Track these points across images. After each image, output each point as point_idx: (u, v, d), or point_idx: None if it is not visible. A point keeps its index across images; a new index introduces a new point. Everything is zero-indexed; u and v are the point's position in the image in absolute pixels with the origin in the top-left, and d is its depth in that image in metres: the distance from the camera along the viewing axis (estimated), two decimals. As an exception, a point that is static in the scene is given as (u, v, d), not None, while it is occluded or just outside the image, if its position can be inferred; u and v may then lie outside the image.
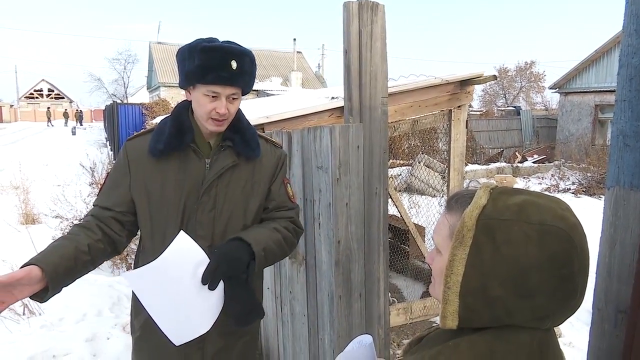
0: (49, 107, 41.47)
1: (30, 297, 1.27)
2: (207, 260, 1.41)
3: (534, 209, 0.76)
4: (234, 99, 1.49)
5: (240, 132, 1.58)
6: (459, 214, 0.83)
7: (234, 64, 1.42)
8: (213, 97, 1.44)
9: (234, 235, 1.50)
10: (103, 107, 37.19)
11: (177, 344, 1.45)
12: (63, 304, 3.85)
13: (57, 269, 1.29)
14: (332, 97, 4.01)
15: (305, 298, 2.42)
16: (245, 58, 1.46)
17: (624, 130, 1.16)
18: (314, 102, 4.05)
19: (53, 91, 54.17)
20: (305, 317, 2.45)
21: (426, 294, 4.57)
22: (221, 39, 1.50)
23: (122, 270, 5.02)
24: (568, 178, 12.58)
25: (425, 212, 5.01)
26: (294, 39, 26.79)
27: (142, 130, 1.60)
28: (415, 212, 5.55)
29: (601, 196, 10.56)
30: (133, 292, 1.66)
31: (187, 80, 1.47)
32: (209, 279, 1.40)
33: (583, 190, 11.06)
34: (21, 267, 1.25)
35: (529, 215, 0.75)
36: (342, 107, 3.60)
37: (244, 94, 1.53)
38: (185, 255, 1.40)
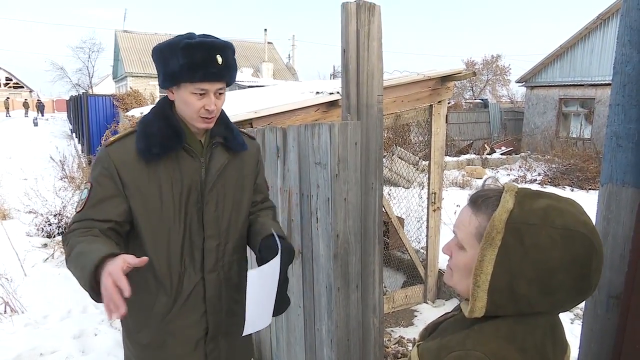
0: (8, 97, 39.59)
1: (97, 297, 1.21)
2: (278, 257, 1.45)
3: (557, 213, 0.83)
4: (220, 94, 1.46)
5: (228, 127, 1.58)
6: (486, 215, 0.90)
7: (219, 59, 1.39)
8: (201, 94, 1.41)
9: (267, 233, 1.55)
10: (66, 97, 35.93)
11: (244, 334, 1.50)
12: (46, 301, 3.79)
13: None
14: (317, 92, 4.05)
15: (301, 290, 2.48)
16: (229, 51, 1.44)
17: (617, 131, 1.26)
18: (298, 96, 4.09)
19: (11, 80, 51.81)
20: (300, 309, 2.52)
21: (407, 284, 4.71)
22: (190, 29, 1.50)
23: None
24: (534, 169, 13.05)
25: (405, 204, 5.14)
26: (265, 30, 26.55)
27: (119, 134, 1.50)
28: (392, 204, 5.69)
29: (565, 187, 11.03)
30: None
31: (172, 80, 1.41)
32: (285, 272, 1.47)
33: (548, 181, 11.51)
34: (106, 256, 1.20)
35: (554, 220, 0.82)
36: (328, 102, 3.69)
37: (227, 86, 1.51)
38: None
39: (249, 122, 3.37)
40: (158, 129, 1.44)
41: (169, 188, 1.45)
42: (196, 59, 1.36)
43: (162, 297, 1.50)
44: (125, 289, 1.13)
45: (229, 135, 1.57)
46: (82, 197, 1.44)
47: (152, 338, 1.52)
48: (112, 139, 1.48)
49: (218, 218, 1.55)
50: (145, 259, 1.22)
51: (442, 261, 4.65)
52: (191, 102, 1.41)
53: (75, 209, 1.45)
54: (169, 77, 1.41)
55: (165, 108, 1.50)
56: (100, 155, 1.45)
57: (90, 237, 1.34)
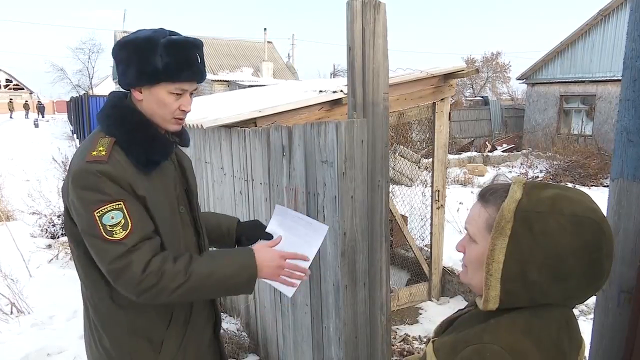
0: (11, 99, 39.67)
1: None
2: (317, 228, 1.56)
3: (565, 201, 0.84)
4: (191, 94, 1.41)
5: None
6: (495, 207, 0.91)
7: (199, 58, 1.36)
8: (178, 94, 1.35)
9: (230, 222, 1.74)
10: (66, 99, 35.93)
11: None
12: (51, 302, 3.80)
13: None
14: (320, 91, 4.05)
15: (308, 288, 2.49)
16: (202, 50, 1.39)
17: (627, 127, 1.27)
18: (300, 95, 4.09)
19: (11, 81, 51.82)
20: (308, 307, 2.52)
21: (411, 282, 4.71)
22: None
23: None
24: (536, 166, 13.04)
25: (408, 202, 5.14)
26: (265, 29, 26.52)
27: (100, 150, 1.30)
28: (395, 202, 5.69)
29: (567, 183, 11.02)
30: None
31: (151, 78, 1.31)
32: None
33: (550, 178, 11.50)
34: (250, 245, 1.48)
35: (562, 207, 0.83)
36: (332, 100, 3.69)
37: None
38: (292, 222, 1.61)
39: (253, 121, 3.37)
40: (151, 136, 1.35)
41: (164, 194, 1.39)
42: (181, 58, 1.31)
43: (178, 309, 1.46)
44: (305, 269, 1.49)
45: (183, 133, 1.55)
46: (113, 221, 1.23)
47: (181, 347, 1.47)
48: (98, 154, 1.28)
49: (199, 214, 1.59)
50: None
51: (447, 259, 4.66)
52: (168, 103, 1.34)
53: (112, 237, 1.22)
54: (148, 75, 1.30)
55: (133, 111, 1.37)
56: (99, 174, 1.25)
57: (189, 255, 1.34)
